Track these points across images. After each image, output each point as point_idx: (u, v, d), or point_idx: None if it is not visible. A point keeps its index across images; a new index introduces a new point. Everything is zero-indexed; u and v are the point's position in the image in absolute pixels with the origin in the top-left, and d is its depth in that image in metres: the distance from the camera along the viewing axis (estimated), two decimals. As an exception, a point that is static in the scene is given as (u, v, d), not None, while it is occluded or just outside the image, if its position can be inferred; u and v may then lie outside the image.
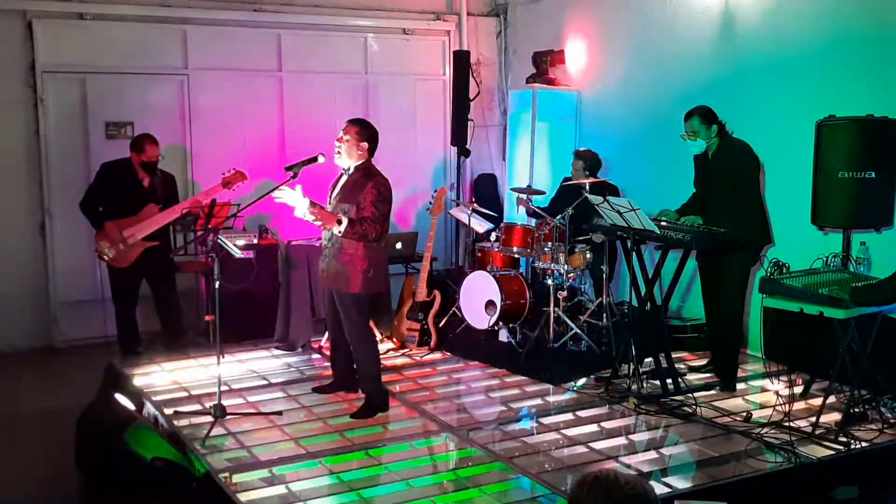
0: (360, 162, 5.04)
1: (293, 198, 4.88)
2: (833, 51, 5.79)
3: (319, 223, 4.96)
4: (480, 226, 7.30)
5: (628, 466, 4.29)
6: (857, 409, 4.77)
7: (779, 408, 4.85)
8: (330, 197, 5.12)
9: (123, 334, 6.49)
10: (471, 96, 8.65)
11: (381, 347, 5.78)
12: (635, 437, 4.75)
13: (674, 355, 5.59)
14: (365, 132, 5.05)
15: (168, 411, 5.07)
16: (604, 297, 6.38)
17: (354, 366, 5.28)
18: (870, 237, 5.35)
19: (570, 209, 6.28)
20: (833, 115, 5.32)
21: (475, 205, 7.29)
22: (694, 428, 4.83)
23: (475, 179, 9.24)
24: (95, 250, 6.32)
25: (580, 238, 6.45)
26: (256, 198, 5.22)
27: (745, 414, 4.96)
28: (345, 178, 5.09)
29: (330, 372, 5.64)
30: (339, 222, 4.86)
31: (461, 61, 8.58)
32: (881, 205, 5.30)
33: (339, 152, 5.04)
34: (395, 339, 6.59)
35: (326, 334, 6.38)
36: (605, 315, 6.38)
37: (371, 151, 5.08)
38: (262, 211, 7.23)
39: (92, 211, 6.37)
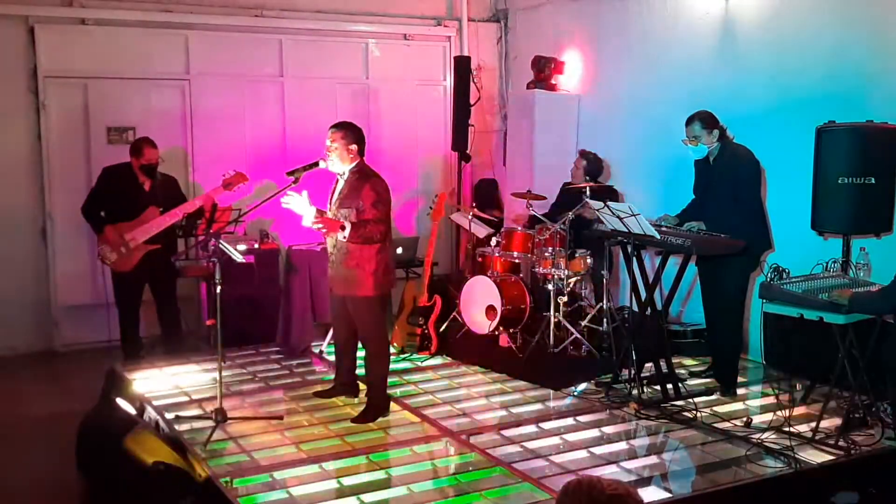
0: (353, 165, 5.06)
1: (301, 206, 4.90)
2: (833, 56, 5.81)
3: (324, 231, 4.98)
4: (481, 230, 7.31)
5: (629, 471, 4.29)
6: (857, 415, 4.77)
7: (779, 413, 4.85)
8: (330, 203, 5.14)
9: (126, 338, 6.49)
10: (471, 101, 8.66)
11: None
12: (636, 443, 4.75)
13: (674, 360, 5.60)
14: (351, 135, 5.06)
15: (169, 415, 5.07)
16: (604, 302, 6.39)
17: (364, 370, 5.29)
18: (870, 242, 5.35)
19: (570, 214, 6.29)
20: (833, 120, 5.33)
21: (476, 210, 7.31)
22: (694, 433, 4.83)
23: (476, 184, 9.25)
24: (98, 255, 6.32)
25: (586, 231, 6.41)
26: (258, 202, 5.24)
27: (745, 419, 4.96)
28: (341, 182, 5.11)
29: (331, 376, 5.66)
30: (343, 228, 4.87)
31: (462, 67, 8.59)
32: (881, 210, 5.31)
33: (331, 161, 5.05)
34: (395, 344, 6.59)
35: (327, 338, 6.40)
36: (605, 320, 6.39)
37: (361, 152, 5.09)
38: (264, 216, 7.25)
39: (94, 216, 6.37)
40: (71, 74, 7.49)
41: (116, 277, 6.38)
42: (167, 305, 6.61)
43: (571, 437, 4.79)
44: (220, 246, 5.06)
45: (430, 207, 6.88)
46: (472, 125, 8.71)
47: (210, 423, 4.84)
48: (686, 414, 5.06)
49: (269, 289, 6.97)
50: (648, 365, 5.46)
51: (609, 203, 5.33)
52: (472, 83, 8.67)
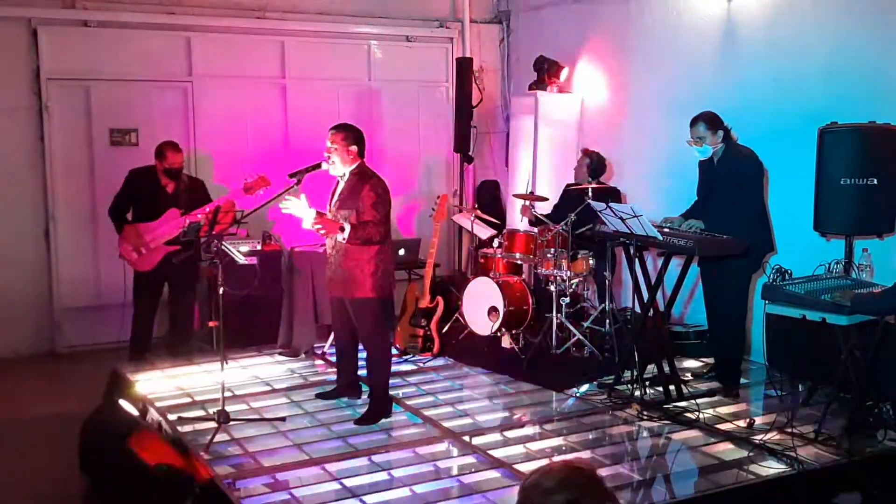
0: (353, 166, 5.06)
1: (300, 209, 4.90)
2: (835, 57, 5.81)
3: (324, 232, 4.98)
4: (483, 232, 7.31)
5: (631, 473, 4.29)
6: (859, 416, 4.76)
7: (781, 414, 4.85)
8: (329, 204, 5.14)
9: (136, 337, 6.50)
10: (474, 103, 8.67)
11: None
12: (638, 444, 4.75)
13: (676, 361, 5.60)
14: (351, 136, 5.06)
15: (172, 417, 5.08)
16: (606, 303, 6.39)
17: (365, 371, 5.29)
18: (872, 244, 5.34)
19: (572, 215, 6.29)
20: (835, 121, 5.33)
21: (478, 211, 7.31)
22: (696, 434, 4.83)
23: (478, 186, 9.25)
24: (119, 255, 6.36)
25: (581, 231, 6.41)
26: (260, 204, 5.25)
27: (747, 420, 4.96)
28: (341, 184, 5.11)
29: (333, 378, 5.66)
30: (342, 229, 4.87)
31: (464, 68, 8.60)
32: (883, 211, 5.30)
33: (332, 162, 5.05)
34: (397, 345, 6.60)
35: (329, 340, 6.41)
36: (607, 321, 6.38)
37: (361, 153, 5.10)
38: (266, 217, 7.24)
39: (119, 217, 6.42)
40: (73, 76, 7.50)
41: (136, 277, 6.42)
42: (183, 307, 6.63)
43: (573, 438, 4.79)
44: (223, 247, 5.07)
45: (433, 209, 6.88)
46: (475, 126, 8.72)
47: (212, 425, 4.84)
48: (688, 415, 5.06)
49: (271, 290, 6.96)
50: (650, 366, 5.46)
51: (611, 204, 5.33)
52: (474, 84, 8.68)
